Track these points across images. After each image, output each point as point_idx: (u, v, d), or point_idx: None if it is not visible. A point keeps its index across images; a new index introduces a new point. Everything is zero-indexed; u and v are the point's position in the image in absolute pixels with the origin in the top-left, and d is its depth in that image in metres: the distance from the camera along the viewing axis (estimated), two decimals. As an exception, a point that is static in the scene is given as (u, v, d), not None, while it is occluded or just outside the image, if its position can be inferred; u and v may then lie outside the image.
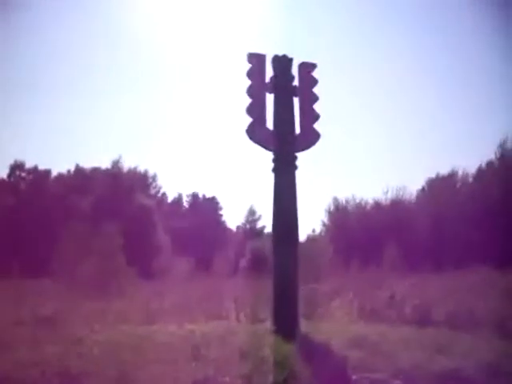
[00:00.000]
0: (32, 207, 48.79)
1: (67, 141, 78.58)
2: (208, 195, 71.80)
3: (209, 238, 61.02)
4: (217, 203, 71.58)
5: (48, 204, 49.25)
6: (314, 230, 58.56)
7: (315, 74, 8.30)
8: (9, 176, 55.62)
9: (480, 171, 46.66)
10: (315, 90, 8.25)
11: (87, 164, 58.51)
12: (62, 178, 56.35)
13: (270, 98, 8.01)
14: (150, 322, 8.67)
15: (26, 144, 77.02)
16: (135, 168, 55.09)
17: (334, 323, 7.91)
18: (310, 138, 8.00)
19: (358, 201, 53.41)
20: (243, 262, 45.03)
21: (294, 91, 8.07)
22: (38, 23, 76.62)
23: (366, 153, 79.96)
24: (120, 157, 52.62)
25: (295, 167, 7.74)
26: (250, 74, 7.96)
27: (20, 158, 56.20)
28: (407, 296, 10.13)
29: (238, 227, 66.23)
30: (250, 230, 59.78)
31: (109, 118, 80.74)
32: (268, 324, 7.43)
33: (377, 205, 50.85)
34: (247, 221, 64.00)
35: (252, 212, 63.70)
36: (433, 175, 50.72)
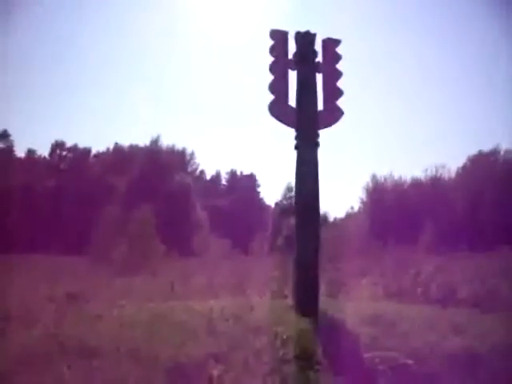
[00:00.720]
0: (72, 185, 49.93)
1: (107, 119, 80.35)
2: (246, 172, 71.86)
3: (247, 215, 61.45)
4: (255, 180, 71.71)
5: (87, 182, 50.30)
6: (352, 208, 58.29)
7: (340, 50, 8.12)
8: (50, 155, 57.20)
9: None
10: (339, 66, 8.10)
11: (126, 142, 59.74)
12: (102, 157, 57.57)
13: (293, 75, 7.92)
14: (174, 299, 8.81)
15: (66, 123, 79.21)
16: (173, 146, 55.70)
17: (356, 301, 7.88)
18: (333, 115, 7.91)
19: (396, 178, 52.83)
20: (280, 240, 45.40)
21: (317, 68, 7.94)
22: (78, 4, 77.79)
23: (405, 131, 78.62)
24: (159, 135, 53.35)
25: (317, 145, 7.67)
26: (272, 51, 7.88)
27: (61, 137, 57.90)
28: (434, 275, 9.98)
29: (276, 204, 66.40)
30: (288, 207, 59.59)
31: (148, 97, 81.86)
32: (289, 301, 7.45)
33: (415, 182, 50.12)
34: (284, 197, 63.89)
35: (290, 189, 63.48)
36: (475, 152, 49.54)
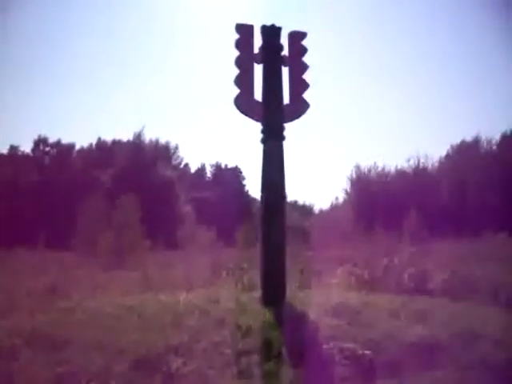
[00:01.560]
0: (56, 181, 49.72)
1: (90, 114, 79.79)
2: (231, 165, 71.84)
3: (232, 208, 61.50)
4: (240, 172, 71.76)
5: (71, 177, 50.09)
6: (337, 198, 58.58)
7: (306, 43, 8.20)
8: (33, 150, 56.79)
9: (505, 137, 45.76)
10: (306, 58, 8.18)
11: (109, 137, 59.38)
12: (85, 152, 57.26)
13: (259, 69, 7.97)
14: (150, 292, 8.86)
15: (49, 118, 78.53)
16: (157, 140, 55.48)
17: (326, 291, 7.99)
18: (299, 107, 7.98)
19: (380, 169, 53.12)
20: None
21: (283, 61, 7.99)
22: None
23: (388, 121, 78.99)
24: (142, 129, 53.11)
25: (283, 138, 7.76)
26: (237, 45, 7.91)
27: (43, 132, 57.37)
28: (407, 264, 10.12)
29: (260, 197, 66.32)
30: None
31: (130, 91, 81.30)
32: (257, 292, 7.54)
33: (399, 172, 50.48)
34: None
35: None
36: (457, 141, 49.99)
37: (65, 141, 57.34)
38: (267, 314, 6.12)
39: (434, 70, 79.10)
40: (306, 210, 64.62)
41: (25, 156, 56.47)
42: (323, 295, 7.37)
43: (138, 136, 53.31)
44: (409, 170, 50.21)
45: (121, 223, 25.05)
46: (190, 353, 5.14)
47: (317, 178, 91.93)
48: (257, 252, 7.80)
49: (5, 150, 57.18)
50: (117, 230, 24.36)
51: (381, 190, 48.53)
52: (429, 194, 43.37)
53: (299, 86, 8.02)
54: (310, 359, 4.95)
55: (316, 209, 67.97)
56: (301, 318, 5.97)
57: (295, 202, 72.20)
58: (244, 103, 7.78)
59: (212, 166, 72.63)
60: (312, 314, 6.15)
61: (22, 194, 48.15)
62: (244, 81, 7.79)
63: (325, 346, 5.17)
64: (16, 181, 49.16)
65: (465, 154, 47.19)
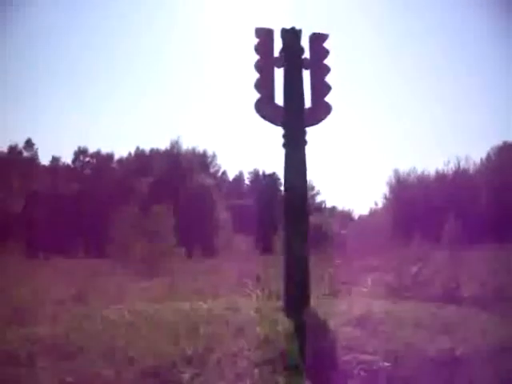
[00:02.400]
0: (95, 190, 50.70)
1: (129, 124, 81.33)
2: (268, 171, 71.84)
3: (270, 215, 61.38)
4: (277, 179, 71.58)
5: (110, 187, 51.02)
6: (376, 203, 57.70)
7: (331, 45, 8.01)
8: (73, 161, 58.20)
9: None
10: (328, 61, 7.99)
11: (147, 146, 60.35)
12: (124, 161, 58.31)
13: (280, 73, 7.83)
14: (173, 299, 8.78)
15: (89, 130, 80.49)
16: (194, 148, 56.01)
17: (350, 300, 7.73)
18: (321, 111, 7.80)
19: (419, 173, 52.02)
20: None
21: (303, 64, 7.83)
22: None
23: (427, 123, 77.39)
24: (178, 137, 53.71)
25: (305, 143, 7.57)
26: (257, 49, 7.80)
27: (83, 143, 58.75)
28: (439, 271, 9.76)
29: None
30: (309, 206, 59.24)
31: (168, 100, 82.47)
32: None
33: (439, 176, 49.29)
34: (305, 196, 63.69)
35: (311, 187, 63.28)
36: (499, 143, 48.49)
37: (104, 151, 58.66)
38: (286, 324, 5.94)
39: (473, 70, 77.23)
40: (344, 216, 63.94)
41: (66, 167, 58.03)
42: (348, 304, 7.13)
43: (175, 145, 53.93)
44: (449, 173, 49.00)
45: (153, 231, 25.30)
46: (204, 363, 5.01)
47: (356, 184, 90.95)
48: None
49: (47, 162, 59.04)
50: (149, 238, 24.61)
51: (420, 195, 47.52)
52: (469, 197, 42.18)
53: (321, 89, 7.83)
54: (327, 371, 4.75)
55: (356, 214, 67.29)
56: (321, 328, 5.77)
57: (334, 207, 71.79)
58: (264, 108, 7.65)
59: (250, 173, 72.75)
60: (333, 324, 5.93)
61: (63, 203, 49.34)
62: (264, 85, 7.67)
63: (343, 358, 4.96)
64: (57, 191, 50.47)
65: (506, 155, 45.70)
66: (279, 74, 7.76)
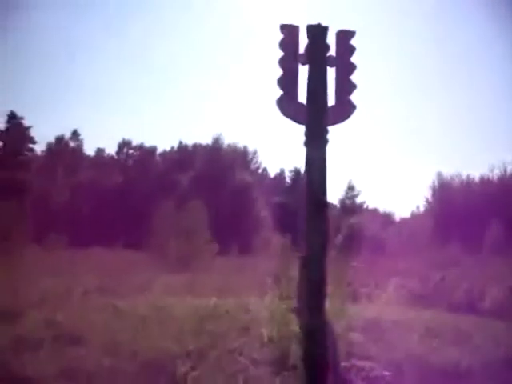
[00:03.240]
0: (138, 183, 51.63)
1: (173, 118, 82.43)
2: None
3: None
4: (318, 178, 70.94)
5: (152, 179, 51.84)
6: (418, 207, 56.40)
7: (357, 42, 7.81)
8: (117, 153, 59.38)
9: None
10: (355, 59, 7.79)
11: (190, 141, 60.92)
12: (167, 155, 59.07)
13: (304, 70, 7.70)
14: (192, 295, 8.84)
15: (133, 122, 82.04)
16: (235, 144, 56.19)
17: (366, 305, 7.58)
18: (345, 109, 7.63)
19: (463, 177, 50.55)
20: (339, 238, 44.62)
21: (328, 61, 7.67)
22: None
23: (474, 128, 75.12)
24: (220, 134, 53.98)
25: (326, 141, 7.42)
26: (282, 45, 7.69)
27: (128, 135, 59.86)
28: (464, 279, 9.42)
29: (339, 202, 65.40)
30: (349, 206, 58.72)
31: (211, 96, 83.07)
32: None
33: (483, 181, 47.76)
34: (346, 196, 62.80)
35: (351, 187, 62.49)
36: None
37: (147, 144, 59.53)
38: (293, 325, 5.85)
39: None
40: (386, 219, 62.91)
41: (110, 158, 59.32)
42: (362, 309, 6.98)
43: (217, 140, 54.24)
44: (494, 179, 47.42)
45: (189, 227, 25.55)
46: (203, 358, 5.01)
47: (400, 186, 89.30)
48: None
49: (92, 153, 60.53)
50: (185, 234, 24.87)
51: (463, 200, 46.17)
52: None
53: (346, 87, 7.66)
54: (324, 376, 4.64)
55: (397, 217, 66.04)
56: (327, 332, 5.62)
57: (375, 209, 70.68)
58: (287, 105, 7.54)
59: (291, 171, 72.42)
60: (340, 329, 5.79)
61: (106, 194, 50.46)
62: (287, 82, 7.56)
63: (343, 364, 4.84)
64: (101, 182, 51.64)
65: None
66: (304, 71, 7.66)
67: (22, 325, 6.20)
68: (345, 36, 7.87)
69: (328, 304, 7.33)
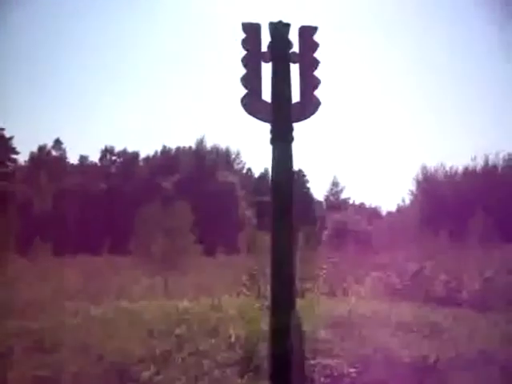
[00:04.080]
0: (122, 189, 51.38)
1: (154, 123, 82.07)
2: (294, 168, 71.42)
3: (296, 212, 60.94)
4: (303, 176, 70.99)
5: (137, 185, 51.61)
6: (403, 200, 56.61)
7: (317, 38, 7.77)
8: (100, 160, 59.04)
9: None
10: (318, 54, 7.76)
11: (174, 144, 60.63)
12: (150, 160, 58.81)
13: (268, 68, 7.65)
14: (170, 297, 8.79)
15: (115, 129, 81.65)
16: (217, 146, 55.99)
17: (339, 300, 7.57)
18: (309, 106, 7.59)
19: (447, 168, 50.77)
20: (324, 235, 44.63)
21: (292, 58, 7.64)
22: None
23: (456, 117, 75.66)
24: (203, 136, 53.78)
25: (291, 139, 7.37)
26: (244, 44, 7.64)
27: (110, 142, 59.56)
28: (443, 271, 9.44)
29: (324, 200, 65.50)
30: (335, 203, 58.93)
31: (192, 98, 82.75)
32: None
33: (467, 172, 48.04)
34: (330, 193, 63.00)
35: (335, 183, 62.72)
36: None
37: (130, 149, 59.19)
38: (263, 324, 5.81)
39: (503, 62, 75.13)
40: (372, 213, 63.11)
41: (93, 165, 58.94)
42: (335, 304, 6.95)
43: (200, 142, 54.11)
44: (478, 169, 47.74)
45: (172, 229, 25.46)
46: (168, 362, 4.97)
47: (385, 180, 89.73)
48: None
49: (75, 161, 60.14)
50: (169, 236, 24.78)
51: (448, 191, 46.45)
52: (498, 194, 40.98)
53: (310, 82, 7.62)
54: (288, 376, 4.60)
55: (384, 211, 66.30)
56: (294, 331, 5.58)
57: (362, 204, 70.86)
58: (251, 104, 7.50)
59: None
60: (309, 326, 5.75)
61: (91, 201, 50.09)
62: (251, 81, 7.52)
63: (310, 362, 4.80)
64: (85, 189, 51.26)
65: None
66: (268, 68, 7.62)
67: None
68: (307, 32, 7.84)
69: (300, 301, 7.37)
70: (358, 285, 9.80)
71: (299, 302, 7.22)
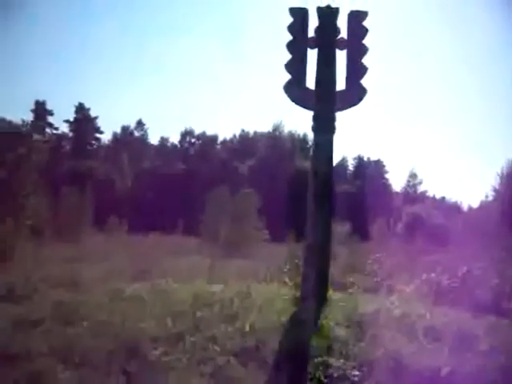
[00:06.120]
0: (199, 171, 52.44)
1: (234, 107, 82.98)
2: (373, 158, 69.94)
3: (372, 202, 59.76)
4: (383, 166, 69.33)
5: (214, 168, 52.50)
6: (487, 196, 53.72)
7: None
8: (180, 142, 60.59)
9: None
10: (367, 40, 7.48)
11: (252, 129, 61.14)
12: (228, 143, 59.69)
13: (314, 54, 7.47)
14: (209, 281, 8.82)
15: (195, 111, 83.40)
16: (295, 132, 55.73)
17: (376, 298, 7.31)
18: (355, 94, 7.35)
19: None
20: (399, 227, 43.38)
21: (338, 44, 7.40)
22: None
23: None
24: (281, 121, 53.84)
25: (333, 130, 7.22)
26: (291, 29, 7.49)
27: (190, 125, 60.91)
28: (496, 274, 8.83)
29: (401, 191, 63.79)
30: (411, 194, 57.21)
31: (271, 84, 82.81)
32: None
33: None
34: (408, 184, 61.15)
35: (413, 175, 60.76)
36: None
37: (209, 133, 60.37)
38: (283, 315, 5.76)
39: None
40: (452, 208, 60.60)
41: (173, 147, 60.69)
42: (367, 302, 6.71)
43: (277, 128, 54.12)
44: None
45: (240, 214, 25.76)
46: (179, 343, 5.05)
47: (469, 175, 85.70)
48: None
49: (156, 142, 62.26)
50: (235, 221, 25.10)
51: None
52: None
53: (357, 70, 7.36)
54: (289, 370, 4.54)
55: (466, 206, 63.39)
56: (303, 325, 5.46)
57: (443, 198, 68.19)
58: (295, 91, 7.37)
59: (354, 158, 71.14)
60: (330, 322, 5.61)
61: (169, 182, 51.66)
62: (296, 67, 7.37)
63: (315, 360, 4.69)
64: (164, 170, 52.92)
65: None
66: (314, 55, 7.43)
67: (26, 305, 6.46)
68: (357, 17, 7.53)
69: (335, 294, 7.20)
70: (408, 283, 9.38)
71: (333, 296, 7.12)
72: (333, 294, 7.40)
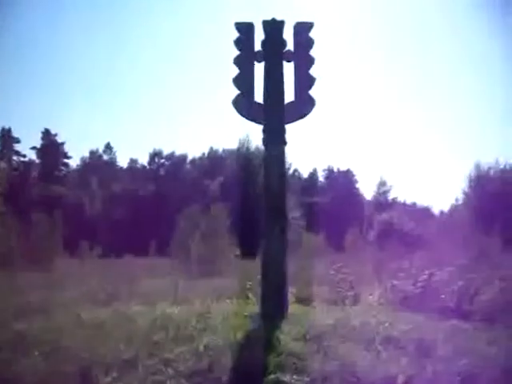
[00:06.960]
0: (169, 191, 52.22)
1: (201, 124, 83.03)
2: (343, 168, 70.61)
3: (344, 212, 60.14)
4: (352, 176, 70.07)
5: (185, 187, 52.30)
6: (457, 200, 54.64)
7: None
8: (149, 163, 60.28)
9: None
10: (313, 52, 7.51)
11: (220, 146, 61.13)
12: (197, 162, 59.54)
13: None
14: (175, 302, 8.67)
15: (164, 132, 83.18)
16: (261, 147, 55.46)
17: (337, 309, 7.27)
18: (304, 105, 7.35)
19: (502, 166, 48.72)
20: (371, 235, 43.64)
21: (286, 56, 7.41)
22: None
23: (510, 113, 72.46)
24: (247, 137, 53.78)
25: (284, 142, 7.18)
26: (237, 44, 7.49)
27: (159, 146, 60.63)
28: (459, 277, 8.84)
29: (371, 200, 64.43)
30: (382, 202, 57.74)
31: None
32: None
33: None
34: (378, 192, 61.84)
35: (382, 183, 61.45)
36: None
37: (178, 152, 60.16)
38: (239, 333, 5.65)
39: None
40: (423, 213, 61.38)
41: (142, 168, 60.34)
42: (328, 313, 6.67)
43: (244, 143, 54.17)
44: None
45: (210, 232, 25.53)
46: (132, 368, 4.90)
47: (438, 179, 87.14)
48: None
49: (125, 164, 61.84)
50: (205, 239, 24.84)
51: (502, 190, 44.51)
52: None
53: (305, 81, 7.37)
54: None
55: (436, 211, 64.26)
56: (265, 340, 5.36)
57: (414, 203, 69.04)
58: (243, 105, 7.34)
59: (324, 170, 71.74)
60: (287, 337, 5.52)
61: (140, 204, 51.26)
62: (243, 81, 7.35)
63: (269, 377, 4.59)
64: (134, 192, 52.54)
65: None
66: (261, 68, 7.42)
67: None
68: (302, 28, 7.57)
69: (294, 308, 7.13)
70: (373, 291, 9.37)
71: (293, 309, 7.04)
72: (296, 308, 7.37)
